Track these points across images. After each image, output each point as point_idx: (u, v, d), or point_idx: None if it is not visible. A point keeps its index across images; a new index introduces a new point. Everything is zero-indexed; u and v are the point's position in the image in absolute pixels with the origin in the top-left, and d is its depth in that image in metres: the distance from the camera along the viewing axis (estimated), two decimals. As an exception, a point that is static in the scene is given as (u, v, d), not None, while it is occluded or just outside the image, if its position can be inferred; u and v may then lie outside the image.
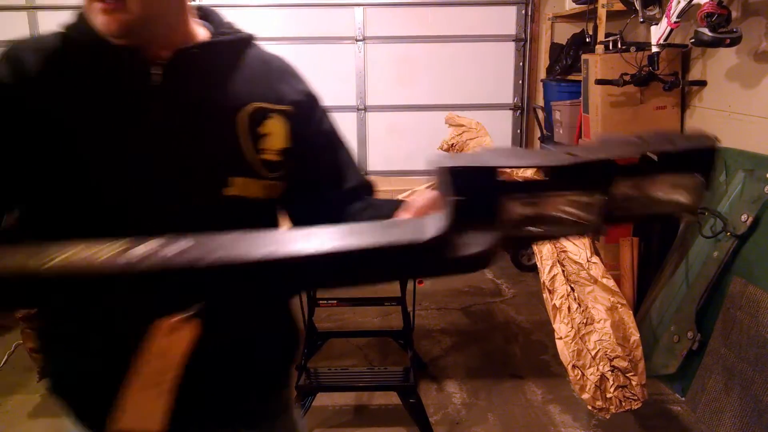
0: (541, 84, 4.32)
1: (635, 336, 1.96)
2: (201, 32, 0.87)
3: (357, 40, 4.50)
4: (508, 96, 4.66)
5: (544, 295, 2.12)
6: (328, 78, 4.56)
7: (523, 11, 4.54)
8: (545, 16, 4.37)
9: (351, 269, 0.54)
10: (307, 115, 0.90)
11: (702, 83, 2.84)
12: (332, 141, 0.94)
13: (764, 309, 2.17)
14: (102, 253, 0.50)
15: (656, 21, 2.69)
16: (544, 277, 2.13)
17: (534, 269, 3.64)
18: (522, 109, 4.67)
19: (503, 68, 4.60)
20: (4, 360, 2.80)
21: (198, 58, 0.83)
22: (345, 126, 5.02)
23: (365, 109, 4.59)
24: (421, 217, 0.61)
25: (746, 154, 2.50)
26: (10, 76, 0.79)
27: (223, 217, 0.72)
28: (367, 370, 2.61)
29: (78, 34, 0.81)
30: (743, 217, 2.34)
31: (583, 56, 3.24)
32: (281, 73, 0.91)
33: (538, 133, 4.41)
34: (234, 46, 0.88)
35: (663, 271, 2.83)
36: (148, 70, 0.80)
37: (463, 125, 3.12)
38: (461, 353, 2.91)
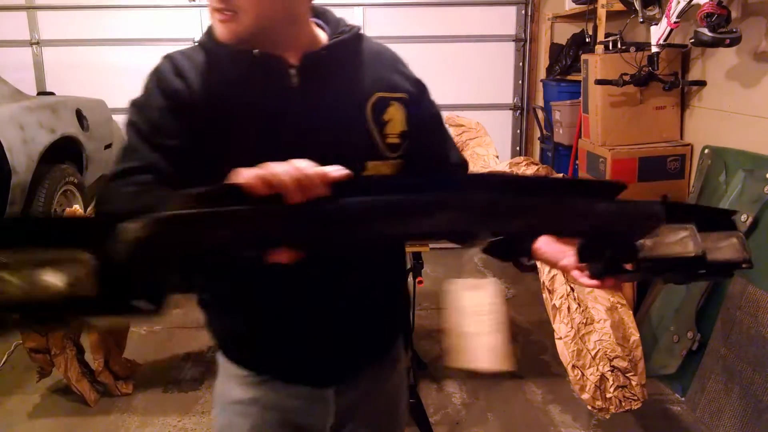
0: (540, 84, 4.32)
1: (635, 336, 1.96)
2: (320, 33, 0.95)
3: (357, 40, 4.50)
4: (507, 96, 4.66)
5: (544, 295, 2.12)
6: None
7: (523, 11, 4.54)
8: (545, 16, 4.37)
9: None
10: (419, 100, 0.99)
11: (702, 83, 2.84)
12: (438, 122, 1.06)
13: (764, 309, 2.17)
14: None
15: (656, 21, 2.69)
16: (544, 277, 2.13)
17: (534, 269, 3.63)
18: (522, 109, 4.67)
19: (503, 68, 4.60)
20: (4, 360, 2.79)
21: (326, 59, 0.90)
22: (345, 126, 4.98)
23: (365, 109, 4.59)
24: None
25: (746, 154, 2.50)
26: (180, 84, 0.88)
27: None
28: (366, 370, 2.61)
29: (214, 44, 0.88)
30: (743, 217, 2.34)
31: (583, 56, 3.25)
32: (392, 62, 0.99)
33: (537, 133, 4.41)
34: (353, 43, 0.95)
35: (663, 271, 2.83)
36: (287, 74, 0.88)
37: (463, 125, 3.12)
38: (461, 353, 2.90)
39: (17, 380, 2.65)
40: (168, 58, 0.92)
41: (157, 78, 0.91)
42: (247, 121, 0.87)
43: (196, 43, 0.94)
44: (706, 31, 2.32)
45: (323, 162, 0.85)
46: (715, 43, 2.34)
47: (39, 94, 4.25)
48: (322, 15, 0.98)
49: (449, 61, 4.50)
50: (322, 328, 0.95)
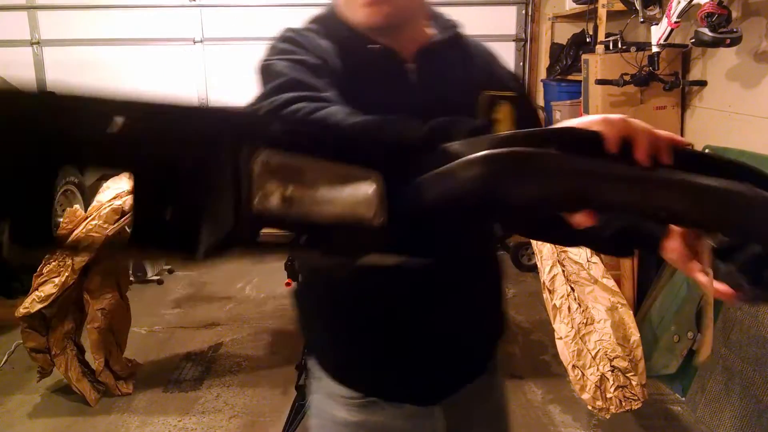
0: (541, 84, 4.32)
1: (635, 336, 1.96)
2: (429, 29, 0.91)
3: (357, 40, 4.50)
4: (508, 96, 4.66)
5: (544, 295, 2.13)
6: (328, 78, 4.57)
7: (524, 11, 4.53)
8: (545, 16, 4.37)
9: None
10: (522, 98, 0.96)
11: (702, 83, 2.84)
12: (537, 119, 1.02)
13: (764, 309, 2.17)
14: None
15: (656, 21, 2.69)
16: (544, 277, 2.14)
17: (534, 269, 3.63)
18: (522, 109, 4.66)
19: (503, 68, 4.60)
20: (4, 360, 2.80)
21: (440, 54, 0.88)
22: (345, 126, 5.00)
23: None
24: None
25: (746, 154, 2.50)
26: (316, 56, 0.80)
27: None
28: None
29: (334, 32, 0.84)
30: (743, 217, 2.34)
31: (583, 56, 3.24)
32: (494, 59, 0.97)
33: (538, 133, 4.41)
34: (460, 40, 0.93)
35: (663, 271, 2.83)
36: (405, 69, 0.85)
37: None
38: (461, 353, 2.91)
39: (18, 380, 2.66)
40: (291, 31, 0.86)
41: (298, 39, 0.83)
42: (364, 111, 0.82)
43: (312, 26, 0.87)
44: (706, 30, 2.32)
45: None
46: (715, 43, 2.34)
47: (39, 93, 4.26)
48: (433, 14, 0.95)
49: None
50: (427, 342, 0.93)
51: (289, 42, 0.84)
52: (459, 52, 0.92)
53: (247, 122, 0.45)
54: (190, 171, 0.43)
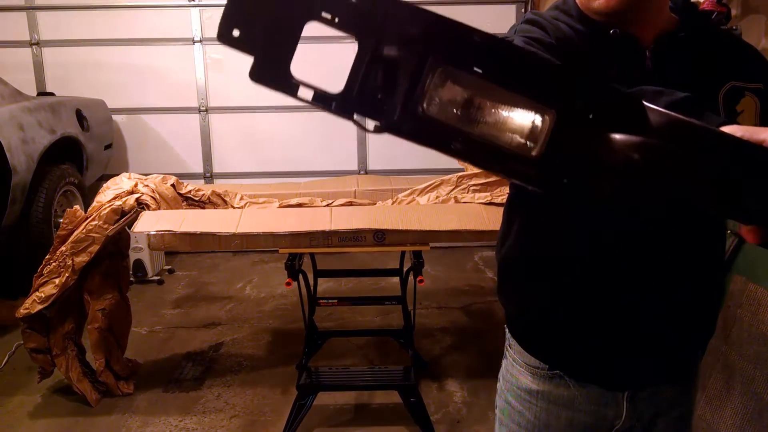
0: (540, 82, 4.32)
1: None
2: (670, 14, 0.89)
3: (357, 40, 4.50)
4: (507, 95, 4.66)
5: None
6: (328, 77, 4.56)
7: (523, 10, 4.53)
8: (545, 15, 4.37)
9: None
10: None
11: (702, 81, 2.83)
12: None
13: (765, 307, 2.17)
14: None
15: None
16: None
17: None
18: (522, 108, 4.66)
19: (503, 67, 4.60)
20: (5, 360, 2.80)
21: (681, 42, 0.85)
22: (345, 125, 4.98)
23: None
24: None
25: (746, 152, 2.50)
26: (555, 37, 0.83)
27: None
28: (367, 369, 2.61)
29: (578, 23, 0.86)
30: (743, 215, 2.33)
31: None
32: (747, 50, 0.92)
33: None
34: (706, 25, 0.90)
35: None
36: (642, 56, 0.84)
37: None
38: (462, 352, 2.91)
39: (19, 381, 2.66)
40: (531, 17, 0.88)
41: (539, 21, 0.87)
42: None
43: (547, 17, 0.89)
44: (706, 29, 2.32)
45: None
46: (715, 41, 2.34)
47: (39, 94, 4.25)
48: None
49: (449, 60, 4.49)
50: (627, 327, 0.90)
51: (529, 23, 0.87)
52: (703, 40, 0.88)
53: (449, 32, 0.50)
54: (391, 60, 0.49)
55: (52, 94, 4.22)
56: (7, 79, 3.54)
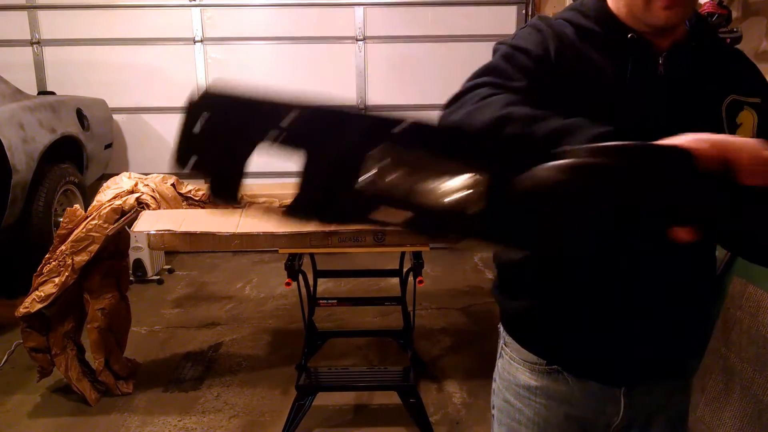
0: (541, 84, 4.32)
1: (635, 336, 1.96)
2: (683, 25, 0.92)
3: (357, 40, 4.50)
4: (508, 96, 4.66)
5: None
6: (328, 78, 4.57)
7: (524, 11, 4.53)
8: (545, 16, 4.37)
9: None
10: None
11: (702, 83, 2.84)
12: None
13: (764, 309, 2.17)
14: None
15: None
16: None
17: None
18: (522, 109, 4.66)
19: (503, 68, 4.60)
20: (4, 359, 2.80)
21: (691, 52, 0.88)
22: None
23: (365, 108, 4.59)
24: None
25: (746, 154, 2.50)
26: (554, 45, 0.87)
27: None
28: (367, 369, 2.61)
29: (600, 26, 0.88)
30: (743, 217, 2.33)
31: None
32: (748, 65, 0.96)
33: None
34: (715, 36, 0.94)
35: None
36: (656, 61, 0.87)
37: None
38: (461, 353, 2.91)
39: (18, 380, 2.66)
40: (539, 21, 0.91)
41: (541, 28, 0.89)
42: (605, 101, 0.85)
43: (563, 18, 0.92)
44: (706, 30, 2.32)
45: None
46: (715, 43, 2.34)
47: (39, 93, 4.26)
48: None
49: (450, 61, 4.50)
50: (625, 324, 0.91)
51: (531, 28, 0.90)
52: (710, 52, 0.92)
53: (379, 124, 0.56)
54: (334, 157, 0.56)
55: (52, 93, 4.23)
56: (7, 78, 3.54)
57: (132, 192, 2.38)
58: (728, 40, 2.30)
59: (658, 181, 0.53)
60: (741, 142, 0.53)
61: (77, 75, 4.52)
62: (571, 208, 0.54)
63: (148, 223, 2.21)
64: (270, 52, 4.56)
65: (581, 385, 0.96)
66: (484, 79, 0.84)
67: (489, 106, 0.74)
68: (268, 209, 2.05)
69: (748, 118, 0.89)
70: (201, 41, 4.50)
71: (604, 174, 0.52)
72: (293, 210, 0.59)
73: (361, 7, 4.44)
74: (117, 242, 2.47)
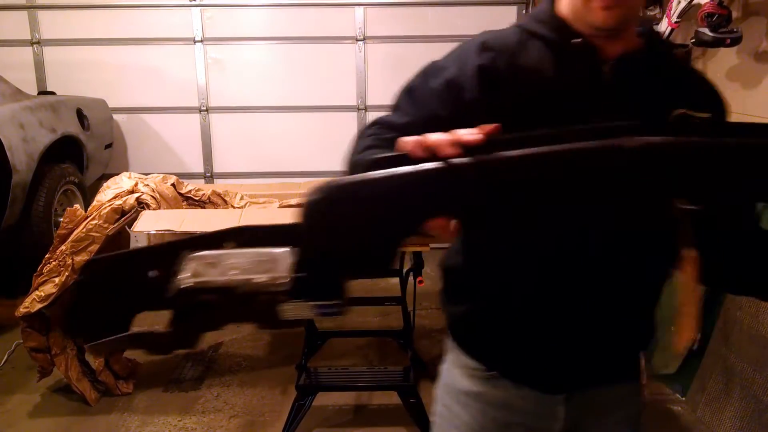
0: (541, 84, 4.32)
1: (635, 336, 1.96)
2: (636, 36, 0.93)
3: (357, 40, 4.50)
4: (508, 96, 4.66)
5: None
6: (328, 78, 4.57)
7: (524, 11, 4.53)
8: (546, 16, 4.36)
9: None
10: (718, 120, 0.93)
11: (702, 83, 2.84)
12: None
13: (764, 309, 2.17)
14: None
15: (657, 21, 2.69)
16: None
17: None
18: (522, 109, 4.66)
19: (504, 68, 4.60)
20: (4, 359, 2.80)
21: (643, 60, 0.88)
22: (345, 126, 5.00)
23: (365, 108, 4.59)
24: None
25: (746, 154, 2.50)
26: (485, 58, 0.88)
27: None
28: (367, 369, 2.61)
29: (546, 29, 0.89)
30: (743, 217, 2.33)
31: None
32: (703, 83, 0.95)
33: (538, 133, 4.41)
34: (667, 52, 0.94)
35: (663, 271, 2.83)
36: (601, 69, 0.87)
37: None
38: (461, 353, 2.91)
39: (18, 380, 2.66)
40: (481, 35, 0.92)
41: (459, 51, 0.91)
42: (546, 105, 0.86)
43: (518, 25, 0.94)
44: (706, 31, 2.32)
45: None
46: (715, 43, 2.34)
47: (40, 93, 4.26)
48: (643, 23, 0.97)
49: (450, 61, 4.49)
50: (563, 331, 0.91)
51: (424, 71, 0.93)
52: (661, 65, 0.92)
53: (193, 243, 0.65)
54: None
55: (52, 93, 4.22)
56: (8, 78, 3.54)
57: (132, 192, 2.38)
58: (728, 41, 2.30)
59: (394, 188, 0.63)
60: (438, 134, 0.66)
61: (77, 75, 4.51)
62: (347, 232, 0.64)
63: (148, 223, 2.21)
64: (270, 52, 4.56)
65: (520, 391, 0.96)
66: (372, 130, 0.89)
67: (357, 166, 0.80)
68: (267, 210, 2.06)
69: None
70: (201, 41, 4.50)
71: (338, 189, 0.63)
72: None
73: (361, 7, 4.44)
74: (117, 242, 2.47)
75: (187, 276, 0.63)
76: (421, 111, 0.88)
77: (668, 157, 0.63)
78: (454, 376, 1.02)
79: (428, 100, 0.88)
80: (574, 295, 0.89)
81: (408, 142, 0.66)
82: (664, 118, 0.81)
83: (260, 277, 0.63)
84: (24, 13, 4.44)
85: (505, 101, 0.86)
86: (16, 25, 4.44)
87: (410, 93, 0.91)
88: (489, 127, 0.66)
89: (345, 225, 0.63)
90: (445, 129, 0.78)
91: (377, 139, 0.86)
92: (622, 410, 1.02)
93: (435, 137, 0.65)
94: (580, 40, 0.86)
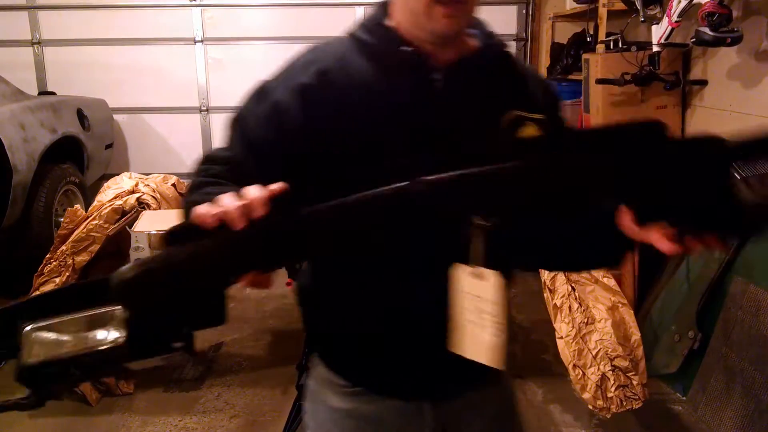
0: (541, 83, 4.32)
1: (636, 335, 1.96)
2: (470, 39, 0.93)
3: (358, 40, 4.50)
4: (508, 95, 4.66)
5: (545, 295, 2.13)
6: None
7: (524, 11, 4.54)
8: (546, 16, 4.37)
9: None
10: (555, 120, 0.95)
11: (703, 83, 2.84)
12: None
13: (765, 308, 2.17)
14: None
15: (657, 20, 2.69)
16: (545, 276, 2.14)
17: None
18: (523, 109, 4.66)
19: (504, 68, 4.60)
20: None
21: (474, 65, 0.89)
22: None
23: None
24: None
25: (747, 154, 2.49)
26: (309, 77, 0.87)
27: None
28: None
29: (375, 38, 0.89)
30: (744, 217, 2.33)
31: (584, 56, 3.24)
32: (536, 82, 0.96)
33: (538, 133, 4.41)
34: (502, 55, 0.94)
35: (664, 270, 2.83)
36: (433, 75, 0.87)
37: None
38: (462, 353, 2.91)
39: (18, 380, 2.66)
40: (315, 48, 0.92)
41: (288, 68, 0.91)
42: (374, 119, 0.86)
43: (347, 34, 0.93)
44: (707, 30, 2.32)
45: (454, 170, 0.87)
46: (716, 43, 2.34)
47: (40, 93, 4.26)
48: (477, 24, 0.96)
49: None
50: (413, 340, 0.92)
51: (255, 94, 0.93)
52: (496, 68, 0.92)
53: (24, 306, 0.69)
54: None
55: (53, 93, 4.23)
56: (8, 78, 3.55)
57: (132, 192, 2.38)
58: (729, 40, 2.30)
59: (185, 256, 0.66)
60: (228, 198, 0.68)
61: (77, 75, 4.52)
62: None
63: (148, 223, 2.21)
64: (270, 52, 4.56)
65: (386, 403, 0.97)
66: (202, 166, 0.89)
67: (187, 206, 0.81)
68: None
69: (530, 133, 0.89)
70: (201, 41, 4.51)
71: (146, 267, 0.67)
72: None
73: (362, 7, 4.44)
74: (117, 242, 2.47)
75: (30, 353, 0.66)
76: (248, 140, 0.89)
77: (451, 190, 0.68)
78: (322, 392, 1.01)
79: (255, 129, 0.88)
80: (415, 306, 0.90)
81: (201, 215, 0.67)
82: (497, 121, 0.84)
83: (100, 342, 0.66)
84: (24, 14, 4.45)
85: (328, 122, 0.85)
86: (16, 25, 4.44)
87: (238, 122, 0.92)
88: (276, 187, 0.68)
89: (157, 300, 0.68)
90: (272, 155, 0.85)
91: (207, 175, 0.86)
92: (492, 408, 1.03)
93: (225, 207, 0.67)
94: (409, 49, 0.86)
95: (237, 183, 0.78)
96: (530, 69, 1.00)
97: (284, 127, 0.86)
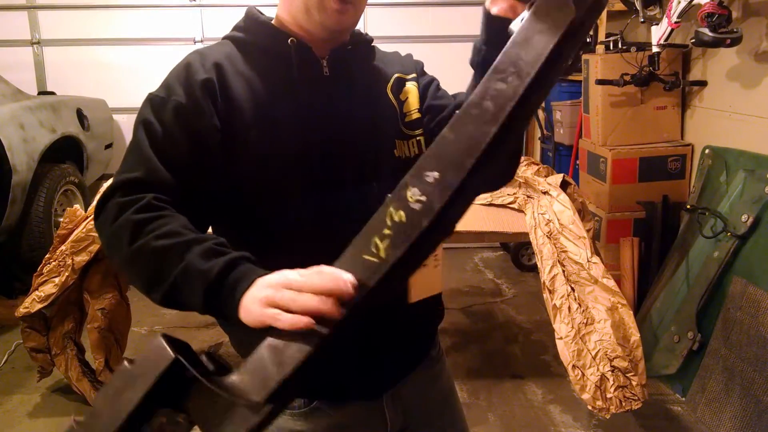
0: (541, 84, 4.31)
1: (635, 336, 1.96)
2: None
3: (357, 40, 4.50)
4: (508, 96, 4.65)
5: (545, 295, 2.12)
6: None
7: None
8: (546, 16, 4.36)
9: None
10: (423, 77, 1.09)
11: (702, 83, 2.84)
12: (437, 85, 1.11)
13: (764, 309, 2.17)
14: None
15: (657, 21, 2.69)
16: (545, 277, 2.13)
17: (534, 269, 3.63)
18: (522, 109, 4.66)
19: (504, 68, 4.59)
20: (4, 359, 2.80)
21: (350, 53, 0.99)
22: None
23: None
24: None
25: (747, 155, 2.50)
26: (209, 72, 0.89)
27: (394, 178, 0.75)
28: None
29: (257, 36, 0.97)
30: (744, 218, 2.34)
31: (584, 56, 3.25)
32: (399, 55, 1.11)
33: (538, 133, 4.41)
34: (370, 44, 1.06)
35: (663, 271, 2.83)
36: (320, 64, 0.96)
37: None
38: (461, 353, 2.91)
39: (18, 380, 2.66)
40: (196, 51, 0.95)
41: (186, 73, 0.89)
42: (282, 105, 0.91)
43: (225, 38, 1.00)
44: (706, 31, 2.32)
45: (357, 145, 0.95)
46: (715, 43, 2.34)
47: (40, 93, 4.26)
48: None
49: (450, 61, 4.49)
50: (364, 338, 0.89)
51: (152, 110, 0.87)
52: (368, 53, 1.04)
53: None
54: None
55: (52, 93, 4.22)
56: (8, 78, 3.54)
57: None
58: (728, 41, 2.30)
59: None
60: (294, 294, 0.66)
61: (77, 75, 4.51)
62: None
63: (148, 223, 2.20)
64: (270, 52, 4.56)
65: (344, 411, 0.98)
66: (127, 177, 0.81)
67: (117, 239, 0.77)
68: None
69: (411, 91, 1.04)
70: (201, 41, 4.50)
71: None
72: None
73: (361, 8, 4.45)
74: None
75: None
76: (166, 152, 0.83)
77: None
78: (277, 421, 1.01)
79: (166, 139, 0.84)
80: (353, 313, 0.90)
81: (293, 323, 0.64)
82: (385, 86, 1.01)
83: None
84: (24, 14, 4.44)
85: (233, 110, 0.88)
86: (16, 25, 4.44)
87: (145, 141, 0.84)
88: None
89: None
90: (192, 159, 0.84)
91: (140, 208, 0.77)
92: (436, 385, 1.10)
93: (312, 304, 0.64)
94: (294, 40, 0.93)
95: (174, 206, 0.79)
96: (393, 52, 1.11)
97: (197, 127, 0.85)
